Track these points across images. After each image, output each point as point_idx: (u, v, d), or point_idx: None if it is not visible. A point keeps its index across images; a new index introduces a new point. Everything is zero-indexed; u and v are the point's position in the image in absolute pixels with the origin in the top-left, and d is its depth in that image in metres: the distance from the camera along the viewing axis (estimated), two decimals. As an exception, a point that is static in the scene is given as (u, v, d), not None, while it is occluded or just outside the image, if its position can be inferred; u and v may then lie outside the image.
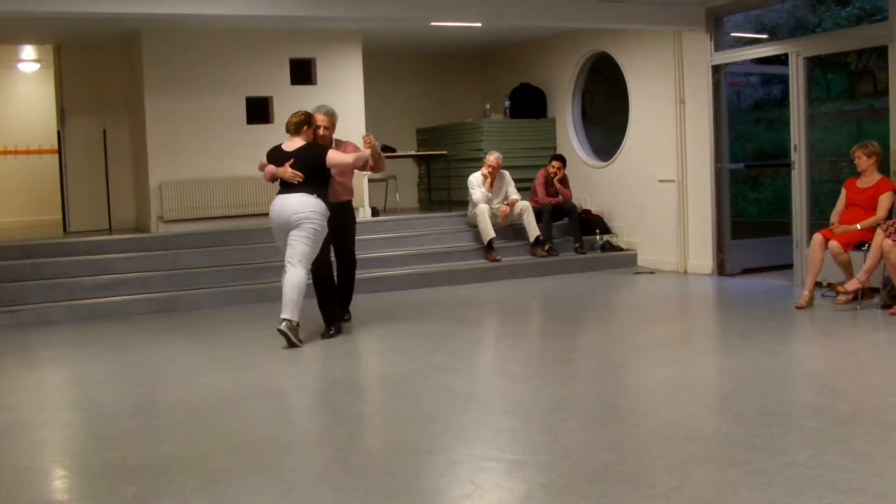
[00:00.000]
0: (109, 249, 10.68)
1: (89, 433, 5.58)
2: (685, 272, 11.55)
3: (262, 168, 8.04)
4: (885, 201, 8.71)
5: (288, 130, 8.01)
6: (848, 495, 3.96)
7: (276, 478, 4.50)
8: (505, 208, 11.93)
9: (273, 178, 7.93)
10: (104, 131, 12.47)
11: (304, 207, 7.73)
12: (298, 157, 7.82)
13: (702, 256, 11.37)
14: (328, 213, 7.85)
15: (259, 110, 11.94)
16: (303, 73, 12.15)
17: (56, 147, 12.82)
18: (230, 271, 10.62)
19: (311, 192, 7.77)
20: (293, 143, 7.94)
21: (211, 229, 11.29)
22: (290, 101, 11.82)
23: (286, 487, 4.34)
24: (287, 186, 7.82)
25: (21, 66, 14.61)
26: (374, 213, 12.45)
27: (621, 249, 12.48)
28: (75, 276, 10.07)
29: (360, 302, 9.70)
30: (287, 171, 7.77)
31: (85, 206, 12.49)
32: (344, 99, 11.96)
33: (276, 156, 7.94)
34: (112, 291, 9.99)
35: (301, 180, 7.74)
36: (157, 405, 6.15)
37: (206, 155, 11.60)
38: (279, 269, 10.34)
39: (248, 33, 11.61)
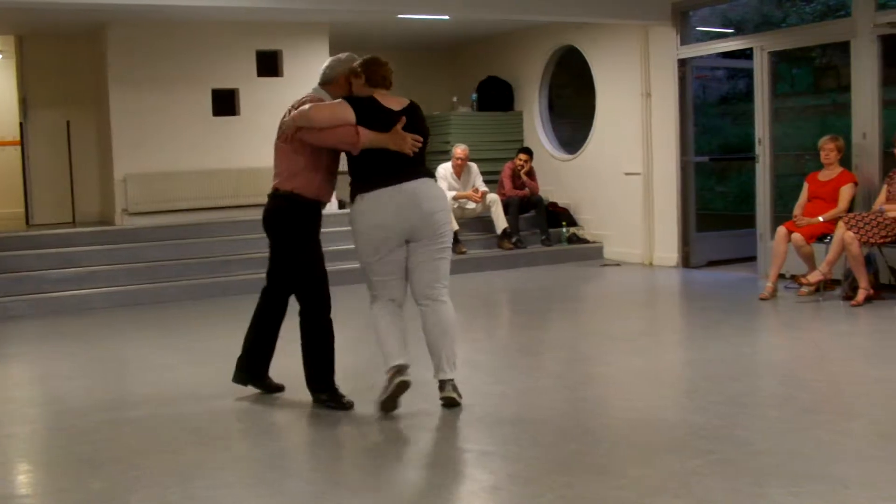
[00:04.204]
0: (74, 242, 10.60)
1: (57, 428, 5.55)
2: (651, 264, 11.62)
3: (322, 122, 5.27)
4: (846, 193, 8.82)
5: (385, 83, 5.47)
6: (810, 482, 4.02)
7: (247, 471, 4.51)
8: (472, 194, 11.93)
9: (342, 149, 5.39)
10: (68, 123, 12.36)
11: (442, 203, 5.40)
12: (410, 122, 5.35)
13: (667, 249, 11.44)
14: None
15: (225, 102, 11.88)
16: (269, 65, 12.10)
17: (18, 139, 12.70)
18: (196, 265, 10.58)
19: (433, 179, 5.55)
20: (393, 100, 5.41)
21: (176, 222, 11.23)
22: (256, 93, 11.81)
23: (256, 480, 4.35)
24: (388, 169, 5.27)
25: (-19, 58, 14.46)
26: (341, 205, 12.41)
27: (588, 242, 12.53)
28: (39, 269, 9.97)
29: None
30: (407, 138, 5.28)
31: (48, 198, 12.38)
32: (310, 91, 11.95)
33: (373, 115, 5.29)
34: (77, 285, 9.91)
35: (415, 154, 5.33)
36: (126, 399, 6.12)
37: (172, 147, 11.54)
38: (247, 263, 10.42)
39: (215, 25, 11.55)
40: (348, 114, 5.24)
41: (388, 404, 5.31)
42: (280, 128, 5.54)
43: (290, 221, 5.53)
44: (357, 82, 5.48)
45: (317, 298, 5.55)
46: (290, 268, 5.60)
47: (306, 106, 5.34)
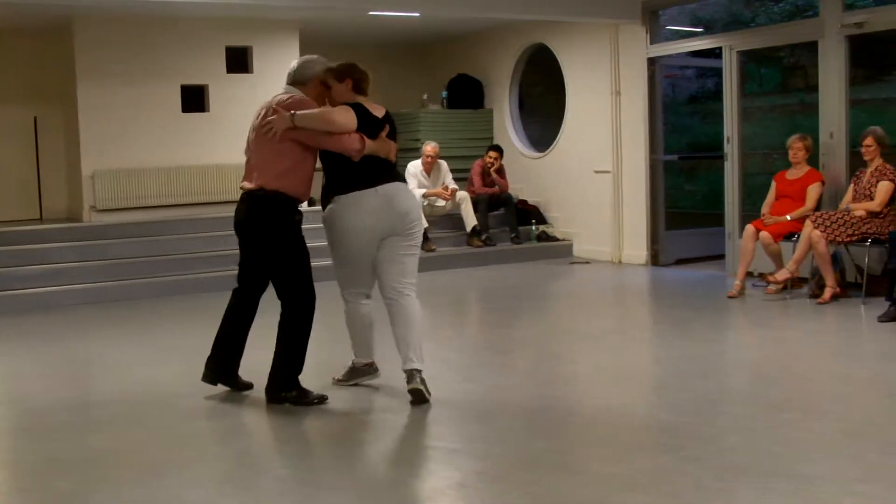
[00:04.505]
0: (41, 239, 10.49)
1: (22, 427, 5.50)
2: (620, 262, 11.65)
3: (347, 127, 5.35)
4: (813, 192, 8.88)
5: (366, 90, 5.61)
6: (777, 479, 4.05)
7: (213, 469, 4.49)
8: (442, 191, 11.91)
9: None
10: (35, 119, 12.26)
11: (414, 203, 5.68)
12: (390, 129, 5.63)
13: (636, 247, 11.49)
14: None
15: (194, 99, 11.82)
16: (239, 61, 12.04)
17: (-15, 135, 12.57)
18: (164, 261, 10.51)
19: (405, 182, 5.85)
20: (374, 107, 5.58)
21: (145, 219, 11.16)
22: (225, 89, 11.76)
23: (223, 478, 4.33)
24: (368, 173, 5.43)
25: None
26: (310, 202, 12.36)
27: (557, 240, 12.55)
28: (5, 266, 9.86)
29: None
30: (393, 145, 5.59)
31: (15, 194, 12.25)
32: (280, 88, 11.88)
33: (365, 121, 5.46)
34: (44, 282, 9.81)
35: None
36: (91, 398, 6.08)
37: (141, 143, 11.46)
38: (215, 260, 10.37)
39: (184, 21, 11.48)
40: (356, 120, 5.39)
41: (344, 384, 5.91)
42: (262, 126, 5.45)
43: (279, 221, 5.47)
44: (340, 87, 5.55)
45: (306, 299, 5.53)
46: (279, 269, 5.52)
47: (321, 109, 5.41)
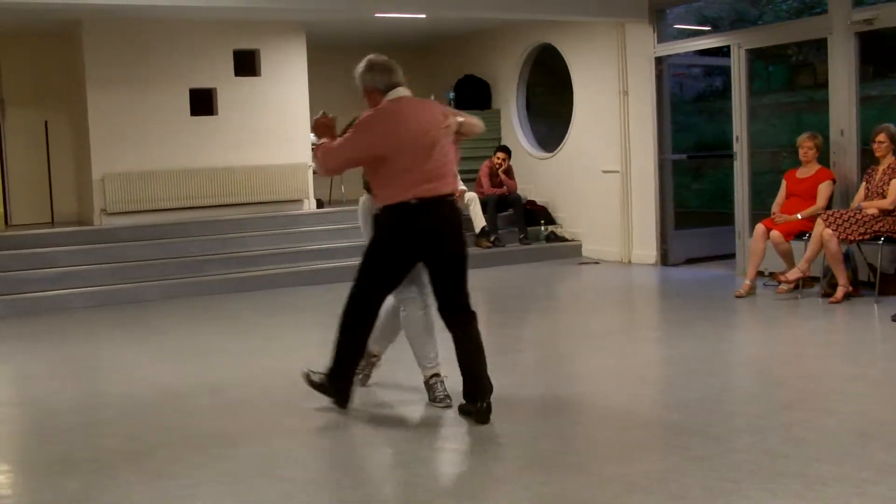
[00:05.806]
0: (52, 243, 10.54)
1: (32, 428, 5.52)
2: (629, 262, 11.63)
3: None
4: (824, 191, 8.85)
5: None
6: (787, 480, 4.04)
7: (221, 470, 4.49)
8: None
9: None
10: (46, 123, 12.30)
11: None
12: None
13: (645, 246, 11.47)
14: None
15: (203, 102, 11.84)
16: (247, 64, 12.05)
17: (-4, 139, 12.62)
18: (174, 264, 10.53)
19: None
20: None
21: (155, 222, 11.18)
22: (233, 92, 11.77)
23: (231, 480, 4.33)
24: None
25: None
26: (319, 204, 12.40)
27: (566, 240, 12.54)
28: (17, 269, 9.91)
29: (302, 293, 9.72)
30: None
31: (26, 198, 12.29)
32: (288, 90, 11.94)
33: None
34: (55, 285, 9.86)
35: None
36: (101, 399, 6.09)
37: (150, 147, 11.48)
38: (225, 262, 10.40)
39: (192, 24, 11.50)
40: None
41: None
42: (438, 132, 5.42)
43: None
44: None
45: None
46: (465, 273, 5.53)
47: (471, 116, 5.68)
